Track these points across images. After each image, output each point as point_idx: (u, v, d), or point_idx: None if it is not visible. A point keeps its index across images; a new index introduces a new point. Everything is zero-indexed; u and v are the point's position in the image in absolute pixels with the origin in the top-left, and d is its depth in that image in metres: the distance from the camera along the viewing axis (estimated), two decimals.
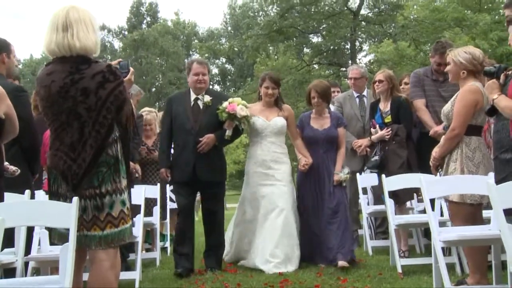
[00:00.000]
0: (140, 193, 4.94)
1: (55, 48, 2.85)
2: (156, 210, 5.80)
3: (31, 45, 79.31)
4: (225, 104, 5.05)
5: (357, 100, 6.40)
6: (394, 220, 4.79)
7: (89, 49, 2.86)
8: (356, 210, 6.34)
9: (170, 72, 44.96)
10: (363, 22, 22.18)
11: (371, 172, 5.77)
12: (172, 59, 45.55)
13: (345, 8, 21.70)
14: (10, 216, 2.75)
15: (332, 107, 6.02)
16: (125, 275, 4.73)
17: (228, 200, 29.65)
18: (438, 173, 4.24)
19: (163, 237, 7.04)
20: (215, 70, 50.06)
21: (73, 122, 2.82)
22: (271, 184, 5.20)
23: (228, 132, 5.09)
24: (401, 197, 5.27)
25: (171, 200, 6.64)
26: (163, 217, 6.58)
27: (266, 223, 5.11)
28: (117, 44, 49.60)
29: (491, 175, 3.64)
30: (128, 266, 5.11)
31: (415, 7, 22.12)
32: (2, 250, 3.17)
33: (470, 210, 3.88)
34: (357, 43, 24.92)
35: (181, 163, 5.08)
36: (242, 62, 42.88)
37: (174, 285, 4.62)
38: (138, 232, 4.74)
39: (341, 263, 4.79)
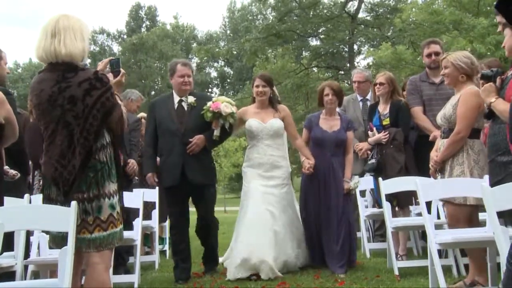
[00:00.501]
0: (138, 197, 4.97)
1: (43, 54, 2.89)
2: (155, 213, 5.81)
3: (30, 50, 79.41)
4: (209, 103, 4.90)
5: (361, 104, 6.40)
6: (391, 222, 4.80)
7: (75, 56, 2.87)
8: (356, 212, 6.35)
9: None
10: (361, 26, 22.24)
11: (370, 175, 5.79)
12: None
13: (344, 12, 21.76)
14: (10, 220, 2.79)
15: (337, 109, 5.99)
16: (124, 278, 4.78)
17: (227, 203, 29.76)
18: (438, 177, 4.23)
19: (162, 240, 7.06)
20: (214, 73, 50.11)
21: (62, 130, 2.85)
22: (265, 185, 5.05)
23: (216, 132, 4.92)
24: (402, 200, 5.26)
25: None
26: (161, 220, 6.58)
27: (250, 226, 4.91)
28: (116, 48, 49.78)
29: (486, 177, 3.67)
30: (127, 269, 5.14)
31: (413, 10, 22.16)
32: (1, 253, 3.20)
33: (470, 212, 3.92)
34: (355, 47, 24.99)
35: (169, 166, 4.88)
36: (241, 65, 42.88)
37: None
38: (136, 235, 4.77)
39: (341, 276, 4.71)
